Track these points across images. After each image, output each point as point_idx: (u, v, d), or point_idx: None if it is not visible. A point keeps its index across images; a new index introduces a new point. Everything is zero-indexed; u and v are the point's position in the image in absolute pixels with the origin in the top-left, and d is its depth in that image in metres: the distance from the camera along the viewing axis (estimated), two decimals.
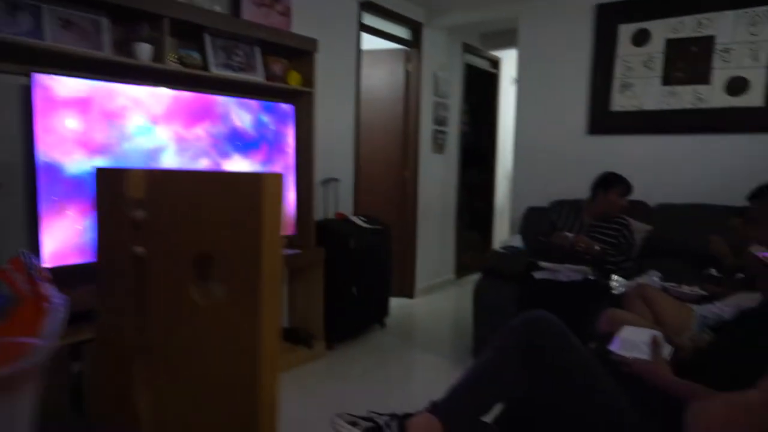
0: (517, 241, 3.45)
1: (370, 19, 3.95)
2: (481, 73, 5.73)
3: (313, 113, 3.08)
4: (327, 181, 3.57)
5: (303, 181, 3.11)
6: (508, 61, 5.67)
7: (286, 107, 2.98)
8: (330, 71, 3.51)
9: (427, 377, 3.16)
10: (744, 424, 0.68)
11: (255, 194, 1.13)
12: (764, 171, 2.73)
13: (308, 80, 3.05)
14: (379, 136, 4.47)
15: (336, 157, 3.72)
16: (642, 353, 1.47)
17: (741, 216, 2.59)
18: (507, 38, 4.80)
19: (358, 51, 3.82)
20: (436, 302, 4.68)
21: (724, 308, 2.18)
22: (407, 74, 4.42)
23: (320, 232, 3.24)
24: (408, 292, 4.66)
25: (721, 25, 3.18)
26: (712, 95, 3.23)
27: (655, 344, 1.44)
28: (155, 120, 2.36)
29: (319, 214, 3.52)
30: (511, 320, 1.34)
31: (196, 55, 2.53)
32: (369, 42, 4.06)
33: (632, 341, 1.51)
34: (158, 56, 2.33)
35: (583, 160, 3.60)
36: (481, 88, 6.02)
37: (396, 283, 4.46)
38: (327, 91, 3.48)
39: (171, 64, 2.39)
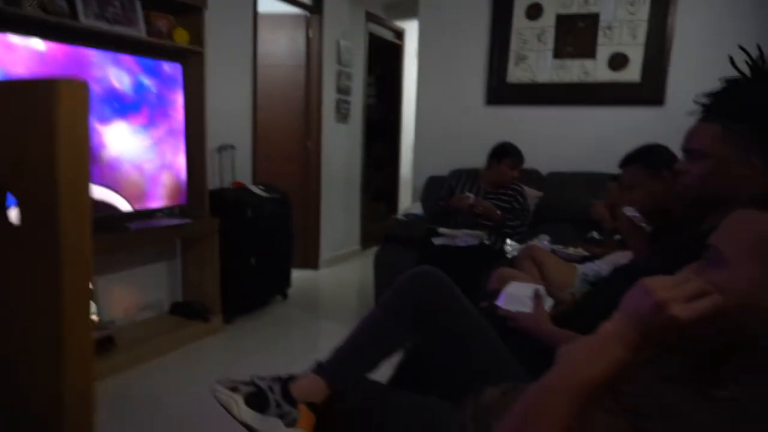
0: (418, 209, 3.50)
1: None
2: (385, 44, 5.69)
3: (204, 75, 2.88)
4: (222, 148, 3.39)
5: (194, 147, 2.92)
6: (413, 32, 5.68)
7: (174, 67, 2.77)
8: (224, 33, 3.30)
9: (330, 347, 3.12)
10: (603, 356, 0.70)
11: (48, 109, 0.90)
12: (640, 140, 2.92)
13: (197, 39, 2.85)
14: (280, 103, 4.31)
15: (232, 123, 3.53)
16: (526, 307, 1.52)
17: (616, 181, 2.80)
18: (410, 8, 4.77)
19: (255, 13, 3.62)
20: (341, 273, 4.67)
21: (602, 266, 2.34)
22: (308, 41, 4.28)
23: (215, 202, 3.08)
24: (312, 264, 4.60)
25: (605, 3, 3.35)
26: (597, 70, 3.42)
27: (537, 297, 1.49)
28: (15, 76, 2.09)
29: (214, 182, 3.34)
30: (398, 277, 1.33)
31: (61, 2, 2.26)
32: (267, 4, 3.87)
33: (517, 296, 1.55)
34: None
35: (482, 130, 3.69)
36: (386, 60, 6.00)
37: (300, 255, 4.38)
38: (221, 53, 3.28)
39: (29, 9, 2.11)
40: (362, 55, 5.01)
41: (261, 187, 3.48)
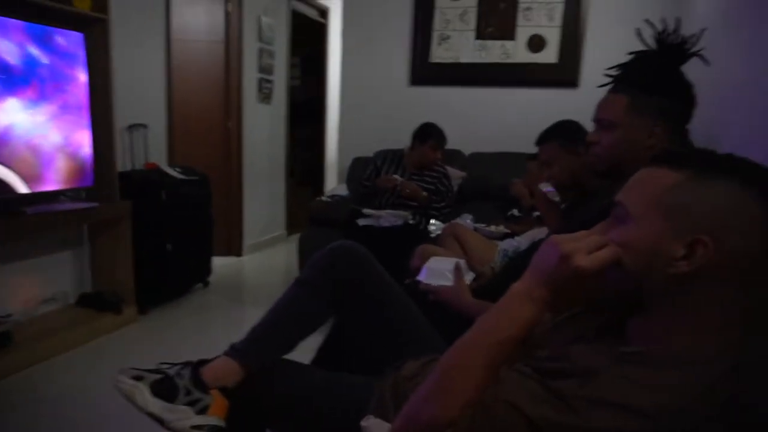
0: (343, 190, 3.45)
1: None
2: (309, 23, 5.55)
3: (110, 46, 2.66)
4: (133, 127, 3.17)
5: (100, 125, 2.69)
6: (338, 11, 5.56)
7: (73, 36, 2.53)
8: (133, 3, 3.07)
9: None
10: (514, 314, 0.74)
11: None
12: (557, 120, 3.04)
13: (101, 5, 2.61)
14: (198, 81, 4.09)
15: (144, 100, 3.31)
16: (447, 281, 1.52)
17: (534, 159, 2.88)
18: None
19: None
20: (266, 259, 4.54)
21: (521, 242, 2.40)
22: (227, 15, 4.08)
23: (126, 184, 2.87)
24: (236, 250, 4.44)
25: None
26: (517, 51, 3.49)
27: (457, 270, 1.49)
28: None
29: (125, 164, 3.13)
30: (314, 253, 1.28)
31: None
32: None
33: (438, 270, 1.54)
34: None
35: (406, 110, 3.68)
36: (310, 40, 5.85)
37: (222, 241, 4.22)
38: (130, 24, 3.05)
39: None
40: (285, 34, 4.85)
41: (177, 168, 3.30)
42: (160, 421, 1.12)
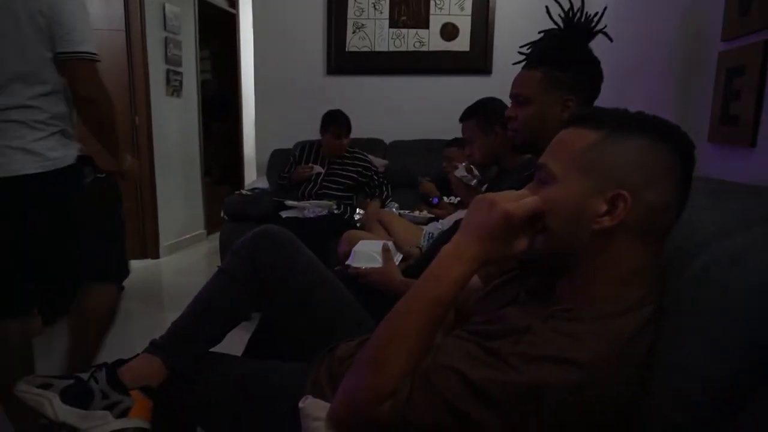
0: (263, 183, 3.35)
1: None
2: (219, 14, 5.33)
3: None
4: None
5: None
6: (248, 1, 5.39)
7: None
8: None
9: None
10: (445, 273, 0.77)
11: None
12: None
13: None
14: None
15: None
16: (376, 263, 1.52)
17: (453, 145, 2.95)
18: None
19: None
20: (185, 259, 4.33)
21: (445, 223, 2.45)
22: (126, 2, 3.82)
23: None
24: (152, 253, 4.20)
25: None
26: (431, 39, 3.54)
27: (386, 251, 1.48)
28: None
29: None
30: (236, 241, 1.22)
31: None
32: None
33: (366, 252, 1.54)
34: None
35: (324, 100, 3.61)
36: (220, 33, 5.64)
37: (135, 244, 3.98)
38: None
39: None
40: (192, 23, 4.63)
41: None
42: (75, 431, 1.03)
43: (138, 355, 1.10)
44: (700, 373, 0.64)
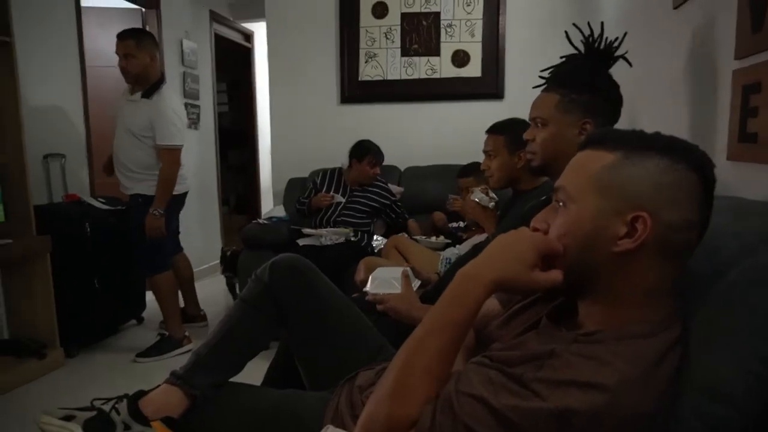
0: (281, 212, 3.38)
1: None
2: (234, 47, 5.47)
3: (16, 71, 2.48)
4: (49, 157, 2.97)
5: (8, 156, 2.51)
6: (262, 34, 5.52)
7: None
8: (38, 25, 2.91)
9: None
10: (464, 296, 0.76)
11: None
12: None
13: (4, 27, 2.45)
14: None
15: (60, 129, 3.13)
16: (394, 289, 1.50)
17: (463, 177, 2.90)
18: (256, 8, 4.63)
19: (77, 4, 3.24)
20: (203, 289, 4.31)
21: (462, 249, 2.44)
22: None
23: (43, 218, 2.67)
24: None
25: (444, 2, 3.53)
26: (442, 66, 3.58)
27: (405, 277, 1.48)
28: None
29: (42, 196, 2.92)
30: (254, 269, 1.23)
31: None
32: None
33: (385, 279, 1.52)
34: None
35: (338, 129, 3.68)
36: (236, 65, 5.78)
37: None
38: (38, 49, 2.88)
39: None
40: (209, 58, 4.75)
41: (101, 199, 3.11)
42: None
43: (159, 386, 1.10)
44: (727, 393, 0.62)
